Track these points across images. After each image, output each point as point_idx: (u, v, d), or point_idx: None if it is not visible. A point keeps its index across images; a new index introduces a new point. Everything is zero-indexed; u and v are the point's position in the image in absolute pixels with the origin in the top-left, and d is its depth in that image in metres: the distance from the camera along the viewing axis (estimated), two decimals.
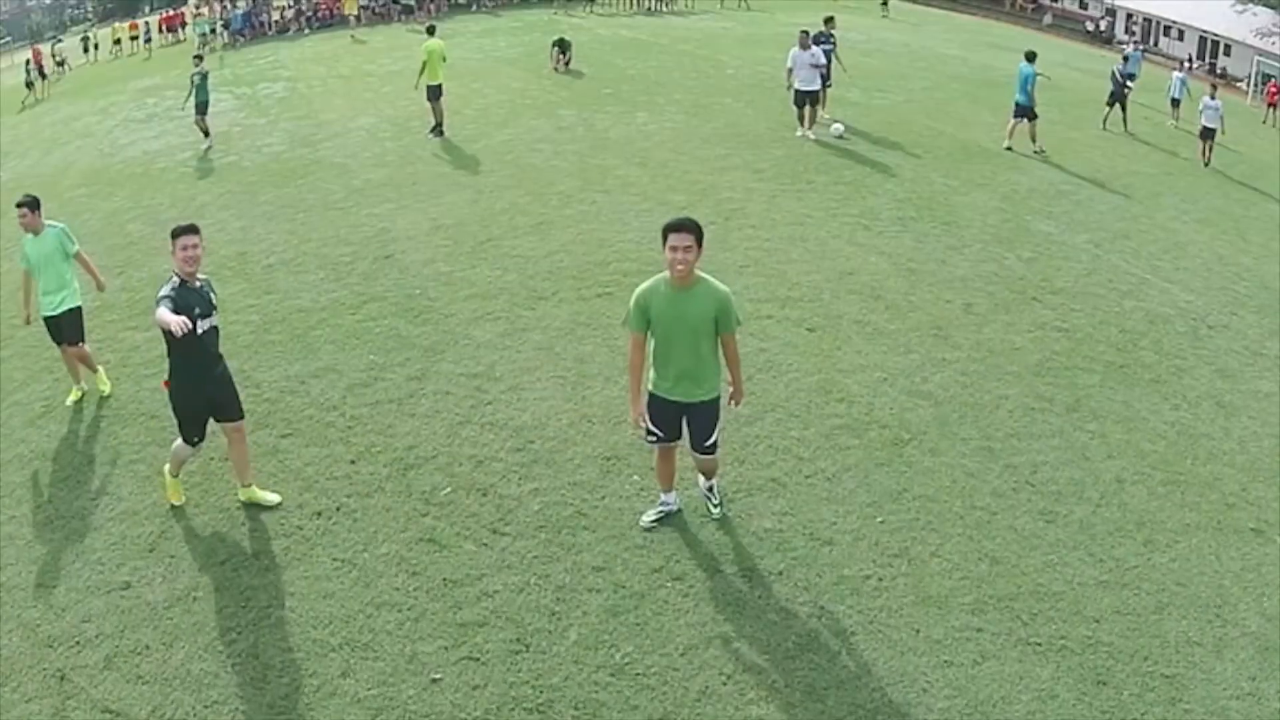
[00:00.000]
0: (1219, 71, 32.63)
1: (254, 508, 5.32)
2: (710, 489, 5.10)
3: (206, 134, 14.14)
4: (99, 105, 20.41)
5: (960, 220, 9.94)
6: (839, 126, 12.98)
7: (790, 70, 12.84)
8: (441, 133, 13.24)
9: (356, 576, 4.78)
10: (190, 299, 4.91)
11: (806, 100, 12.72)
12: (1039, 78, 13.31)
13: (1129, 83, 16.12)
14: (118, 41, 30.80)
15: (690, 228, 4.32)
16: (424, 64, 13.06)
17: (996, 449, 5.69)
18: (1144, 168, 13.37)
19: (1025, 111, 13.10)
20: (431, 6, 28.85)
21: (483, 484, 5.42)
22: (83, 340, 6.66)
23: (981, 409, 6.13)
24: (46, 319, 6.58)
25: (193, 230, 5.08)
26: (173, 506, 5.39)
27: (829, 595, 4.45)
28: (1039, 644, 4.17)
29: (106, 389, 6.75)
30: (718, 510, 5.06)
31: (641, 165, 11.49)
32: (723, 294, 4.40)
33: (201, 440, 5.23)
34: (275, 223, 10.15)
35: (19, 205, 6.50)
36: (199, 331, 4.83)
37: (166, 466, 5.44)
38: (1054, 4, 41.46)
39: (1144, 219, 10.75)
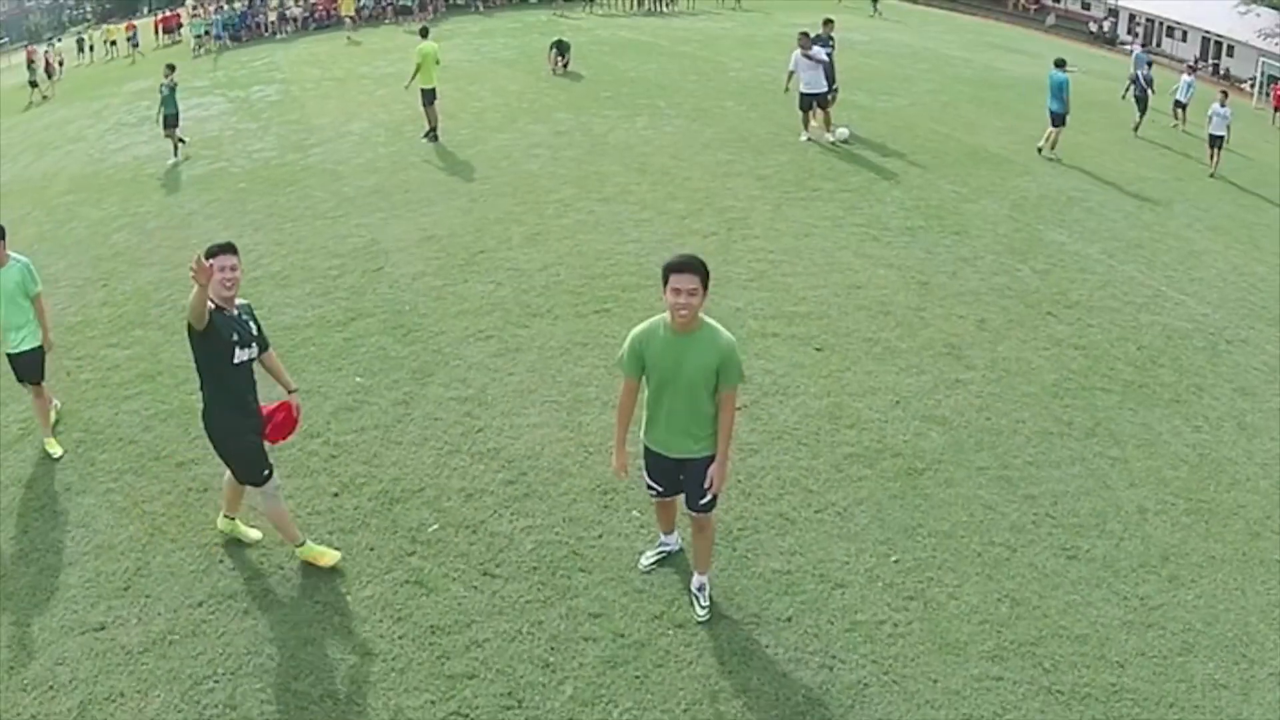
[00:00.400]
0: (1222, 72, 32.33)
1: (234, 543, 5.04)
2: (700, 588, 4.47)
3: (176, 148, 13.63)
4: (93, 108, 20.15)
5: (970, 229, 9.69)
6: (844, 131, 12.72)
7: (791, 73, 12.57)
8: (436, 138, 12.96)
9: (339, 622, 4.50)
10: (226, 327, 4.46)
11: (812, 103, 12.44)
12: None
13: (1150, 88, 15.97)
14: (113, 43, 30.56)
15: (696, 268, 3.85)
16: (418, 66, 12.77)
17: (1015, 478, 5.46)
18: (1153, 173, 13.14)
19: (1060, 119, 13.00)
20: (430, 7, 28.54)
21: (472, 520, 5.13)
22: (42, 379, 6.21)
23: (998, 434, 5.90)
24: (8, 356, 6.17)
25: (230, 250, 4.52)
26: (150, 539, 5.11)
27: (841, 643, 4.22)
28: (1062, 692, 3.99)
29: (56, 452, 6.08)
30: (704, 613, 4.41)
31: (641, 172, 11.19)
32: (727, 343, 3.97)
33: (272, 472, 4.73)
34: (263, 233, 9.86)
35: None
36: (235, 362, 4.48)
37: (221, 516, 5.08)
38: (1056, 4, 41.13)
39: (1156, 227, 10.53)
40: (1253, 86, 28.49)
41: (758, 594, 4.54)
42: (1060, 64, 13.34)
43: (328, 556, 4.85)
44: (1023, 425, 5.98)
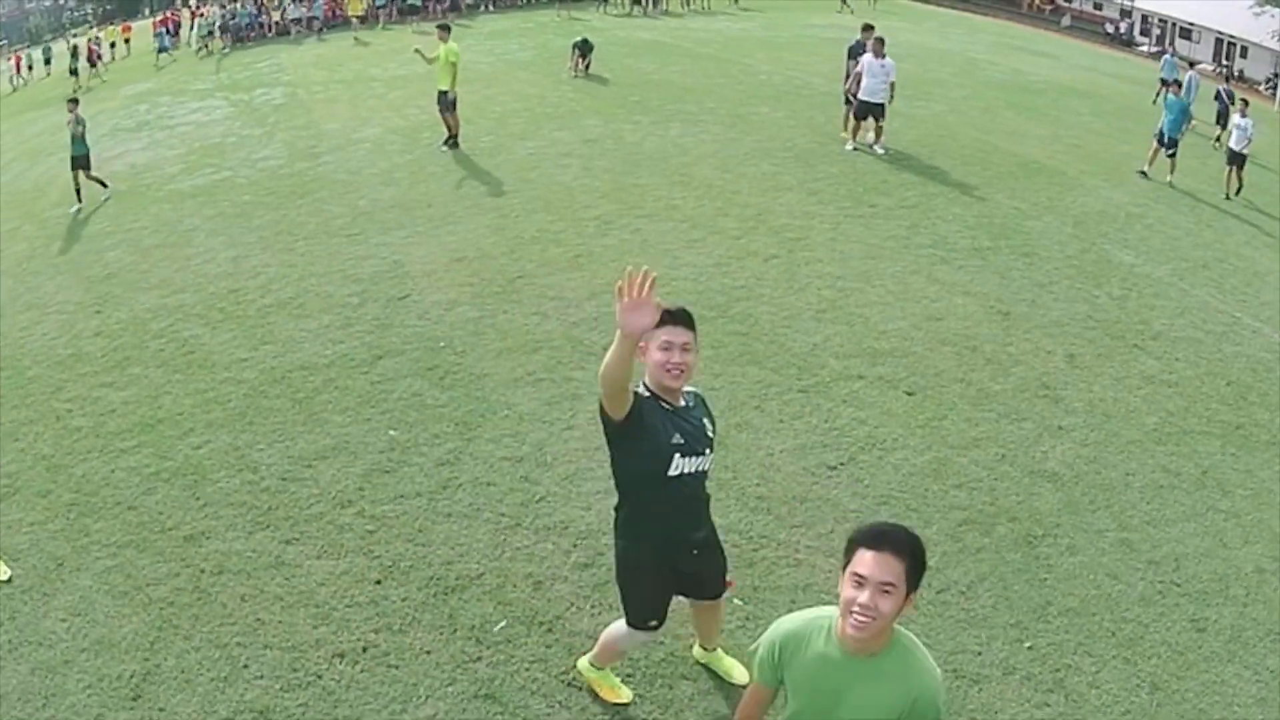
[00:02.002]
0: (1237, 74, 31.72)
1: (260, 645, 4.18)
2: None
3: (80, 192, 11.60)
4: (89, 113, 19.21)
5: (1038, 250, 9.10)
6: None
7: (859, 76, 11.71)
8: (455, 144, 12.09)
9: None
10: (663, 423, 3.09)
11: (870, 112, 11.69)
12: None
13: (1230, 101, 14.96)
14: (111, 45, 29.76)
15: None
16: (441, 61, 11.81)
17: (1135, 540, 4.99)
18: (1199, 184, 12.51)
19: (1173, 143, 12.30)
20: (438, 7, 27.73)
21: (546, 615, 4.26)
22: None
23: (1111, 490, 5.43)
24: None
25: (685, 322, 3.05)
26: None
27: None
28: None
29: (4, 575, 4.84)
30: None
31: (684, 185, 10.31)
32: (927, 685, 2.41)
33: (660, 625, 3.48)
34: (272, 252, 8.99)
35: None
36: (671, 474, 3.11)
37: (589, 656, 3.82)
38: (1070, 5, 40.54)
39: (1217, 246, 10.07)
40: (1271, 90, 27.90)
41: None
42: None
43: (621, 693, 3.81)
44: (1133, 478, 5.55)
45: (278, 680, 4.02)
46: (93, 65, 24.71)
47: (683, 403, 3.16)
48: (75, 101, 12.19)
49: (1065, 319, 7.57)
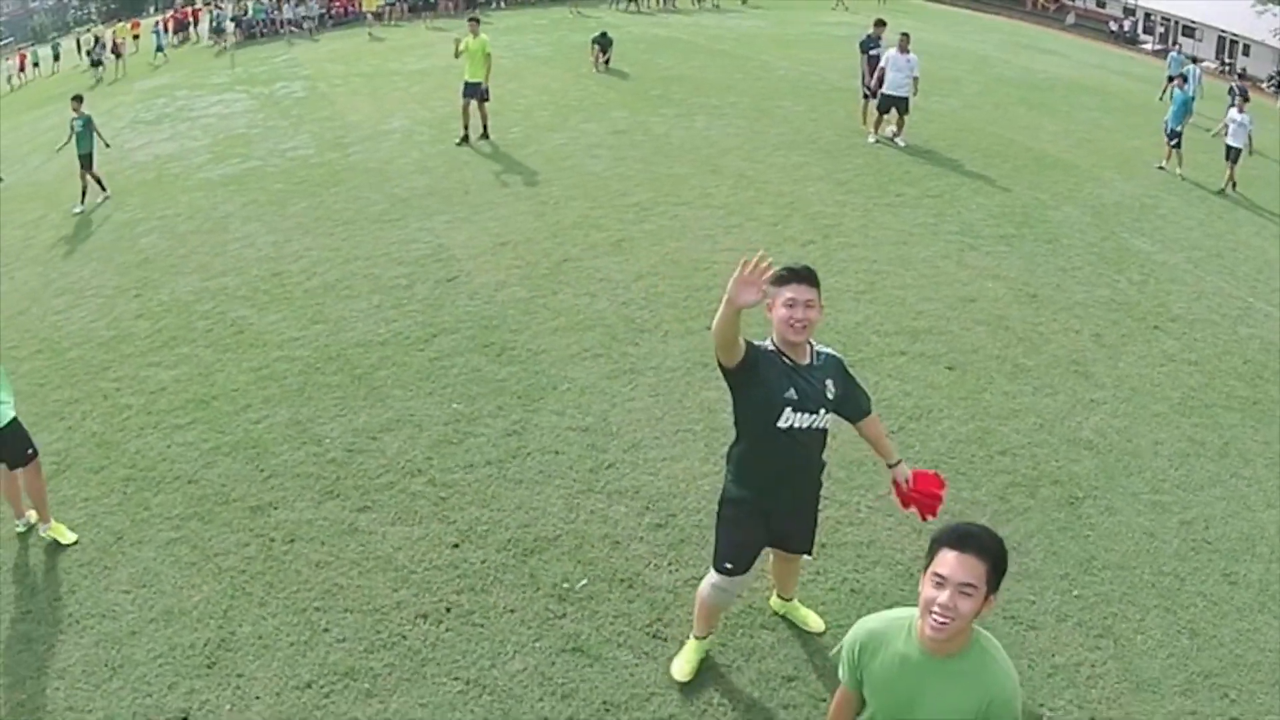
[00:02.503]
0: (1239, 72, 31.90)
1: (340, 608, 4.27)
2: None
3: (84, 193, 11.43)
4: (103, 107, 19.30)
5: (1060, 237, 9.31)
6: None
7: (883, 71, 11.91)
8: (467, 140, 12.01)
9: (490, 703, 3.74)
10: (780, 377, 3.22)
11: (893, 105, 11.85)
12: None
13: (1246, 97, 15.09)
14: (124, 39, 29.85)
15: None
16: (475, 55, 11.81)
17: (1167, 503, 5.24)
18: (1210, 177, 12.67)
19: (1175, 134, 12.50)
20: (450, 4, 27.81)
21: (625, 573, 4.39)
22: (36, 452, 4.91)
23: (1142, 457, 5.66)
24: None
25: (808, 279, 3.20)
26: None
27: (1046, 689, 3.95)
28: None
29: (68, 539, 4.94)
30: None
31: (716, 174, 10.44)
32: (1004, 688, 2.38)
33: (742, 573, 3.56)
34: (312, 237, 9.08)
35: None
36: (781, 425, 3.23)
37: (693, 636, 3.87)
38: (1074, 4, 40.73)
39: (1229, 236, 10.28)
40: (1269, 85, 28.06)
41: None
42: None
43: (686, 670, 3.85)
44: (1161, 447, 5.82)
45: (361, 642, 4.10)
46: (118, 57, 24.85)
47: (807, 360, 3.27)
48: (80, 99, 11.99)
49: (1089, 301, 7.79)
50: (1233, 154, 12.27)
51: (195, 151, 13.55)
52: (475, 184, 10.35)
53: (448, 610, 4.23)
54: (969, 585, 2.26)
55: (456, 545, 4.61)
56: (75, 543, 4.90)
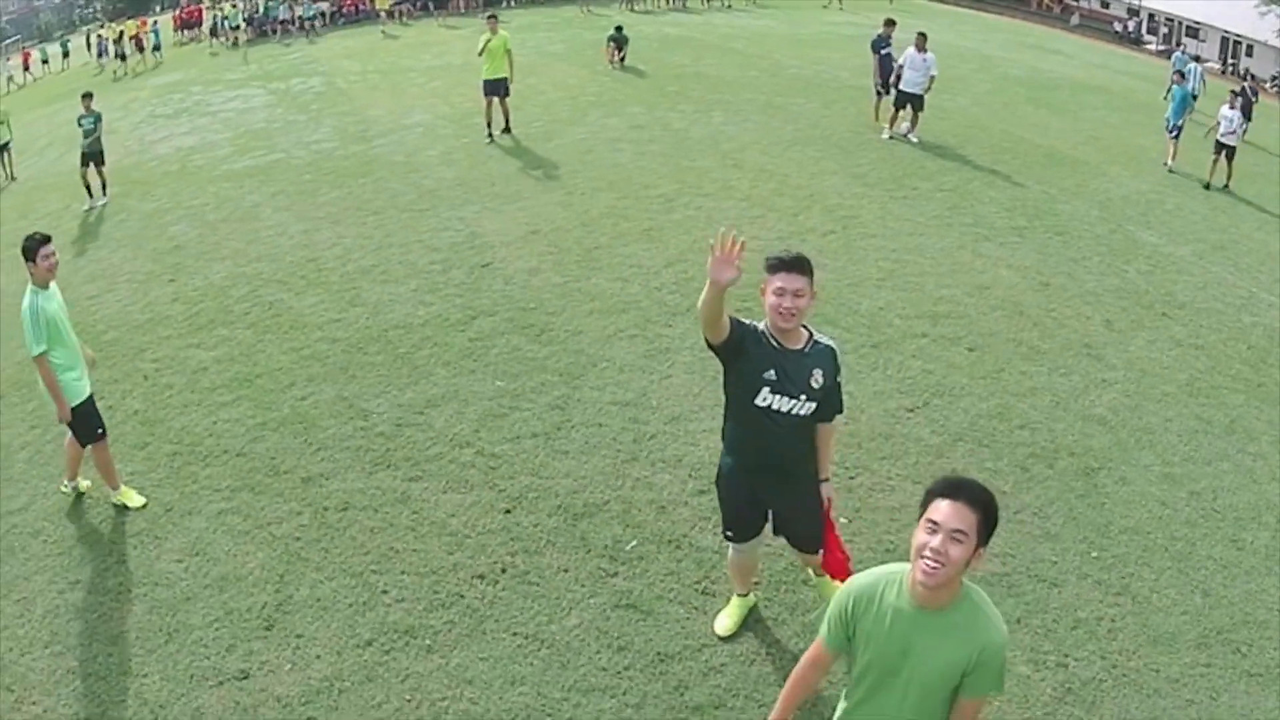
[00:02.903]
0: (1242, 73, 32.14)
1: (398, 570, 4.45)
2: None
3: (90, 189, 11.31)
4: (118, 102, 19.54)
5: (1070, 230, 9.56)
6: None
7: (900, 68, 12.23)
8: (490, 138, 12.17)
9: (549, 655, 3.95)
10: (764, 356, 3.29)
11: (909, 102, 12.15)
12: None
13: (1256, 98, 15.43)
14: (133, 37, 29.91)
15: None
16: (497, 51, 11.93)
17: (1177, 475, 5.50)
18: (1204, 173, 12.87)
19: (1175, 129, 12.74)
20: (462, 2, 28.01)
21: (672, 534, 4.60)
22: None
23: (1153, 433, 5.92)
24: (91, 397, 4.96)
25: (798, 268, 3.22)
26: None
27: (1070, 641, 4.20)
28: (1260, 675, 4.14)
29: (136, 503, 5.15)
30: None
31: (737, 168, 10.66)
32: (993, 640, 2.41)
33: (743, 541, 3.75)
34: (344, 226, 9.28)
35: (48, 241, 4.72)
36: (759, 403, 3.33)
37: (735, 594, 4.09)
38: (1078, 4, 40.95)
39: (1232, 230, 10.54)
40: (1272, 85, 28.28)
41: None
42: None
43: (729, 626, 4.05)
44: (1170, 424, 6.07)
45: (419, 602, 4.29)
46: (140, 50, 25.09)
47: (797, 346, 3.31)
48: (90, 96, 11.84)
49: (1100, 290, 8.05)
50: (1225, 150, 12.35)
51: (217, 144, 13.73)
52: (502, 176, 10.57)
53: (503, 571, 4.43)
54: (960, 532, 2.30)
55: (508, 511, 4.82)
56: (144, 506, 5.09)
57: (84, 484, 5.27)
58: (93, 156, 11.35)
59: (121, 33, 25.99)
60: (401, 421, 5.70)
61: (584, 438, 5.39)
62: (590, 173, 10.55)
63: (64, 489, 5.23)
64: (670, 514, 4.74)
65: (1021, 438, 5.69)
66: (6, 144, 14.30)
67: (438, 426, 5.60)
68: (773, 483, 3.55)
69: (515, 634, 4.07)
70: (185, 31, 30.06)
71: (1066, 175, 11.53)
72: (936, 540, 2.30)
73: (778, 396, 3.32)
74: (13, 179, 14.17)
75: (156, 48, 25.40)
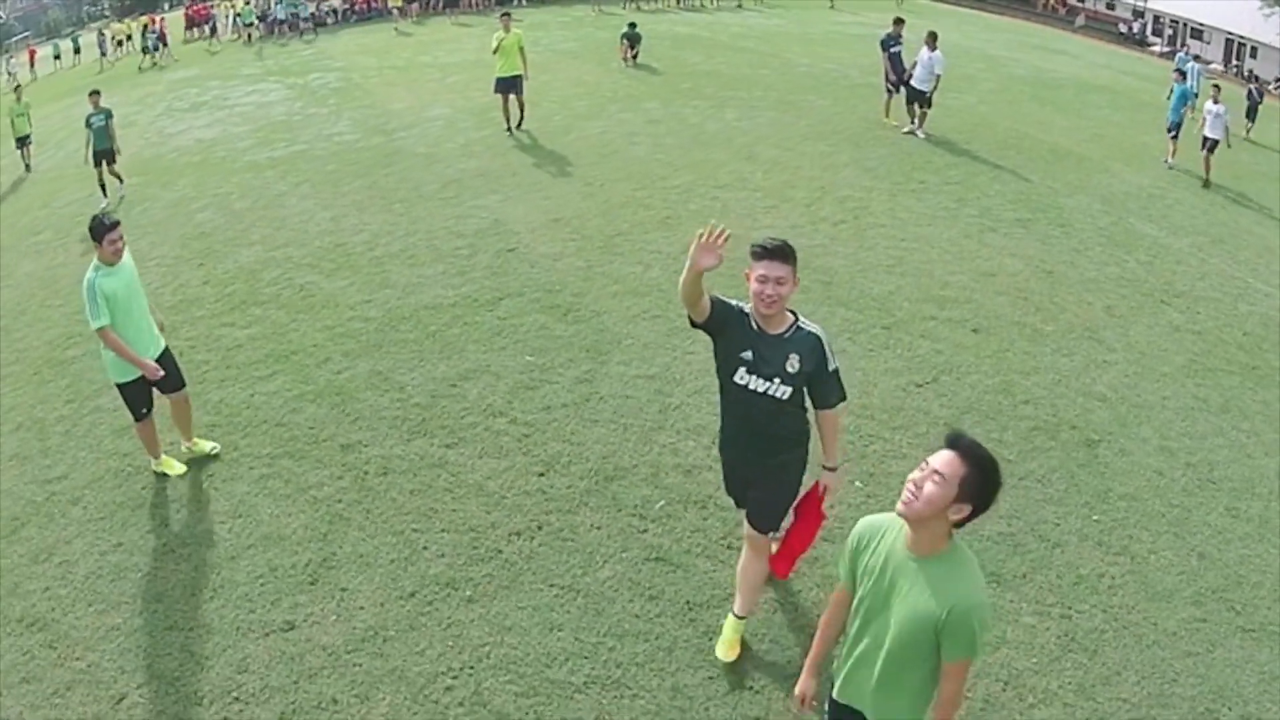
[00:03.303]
0: (1246, 74, 32.34)
1: (436, 529, 4.72)
2: None
3: (105, 187, 11.28)
4: (133, 96, 19.85)
5: (1073, 222, 9.86)
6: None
7: (914, 66, 12.64)
8: (510, 131, 12.43)
9: (584, 604, 4.22)
10: (743, 337, 3.44)
11: (916, 99, 12.54)
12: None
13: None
14: (128, 38, 29.71)
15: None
16: (510, 49, 12.21)
17: (1174, 448, 5.77)
18: (1215, 174, 13.14)
19: (1173, 126, 13.02)
20: (472, 1, 28.31)
21: (698, 495, 4.88)
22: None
23: (1151, 410, 6.20)
24: (140, 379, 5.16)
25: (781, 256, 3.33)
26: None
27: (1073, 595, 4.48)
28: (1254, 630, 4.37)
29: (177, 470, 5.39)
30: None
31: (751, 161, 10.95)
32: (965, 597, 2.47)
33: (739, 508, 3.98)
34: (370, 213, 9.56)
35: (116, 226, 4.94)
36: (737, 380, 3.49)
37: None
38: (1084, 5, 41.19)
39: (1230, 224, 10.83)
40: (1276, 86, 28.45)
41: (993, 554, 4.63)
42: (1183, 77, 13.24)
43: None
44: (1168, 402, 6.35)
45: (459, 556, 4.55)
46: (164, 44, 25.36)
47: (777, 331, 3.41)
48: (98, 93, 11.84)
49: (1101, 278, 8.34)
50: (1209, 144, 12.60)
51: (238, 136, 13.99)
52: (523, 167, 10.85)
53: (539, 528, 4.70)
54: (940, 474, 2.41)
55: (542, 474, 5.10)
56: (185, 474, 5.33)
57: (180, 459, 5.44)
58: (104, 155, 11.23)
59: (146, 25, 26.25)
60: (436, 393, 5.96)
61: (612, 408, 5.67)
62: (609, 164, 10.83)
63: (156, 468, 5.39)
64: (696, 477, 5.02)
65: (1025, 412, 5.99)
66: (27, 136, 14.54)
67: (471, 398, 5.87)
68: (750, 457, 3.68)
69: (552, 585, 4.33)
70: (194, 30, 30.28)
71: (1070, 171, 11.82)
72: (918, 475, 2.46)
73: (754, 377, 3.44)
74: (29, 170, 14.41)
75: (150, 49, 25.37)
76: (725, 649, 3.90)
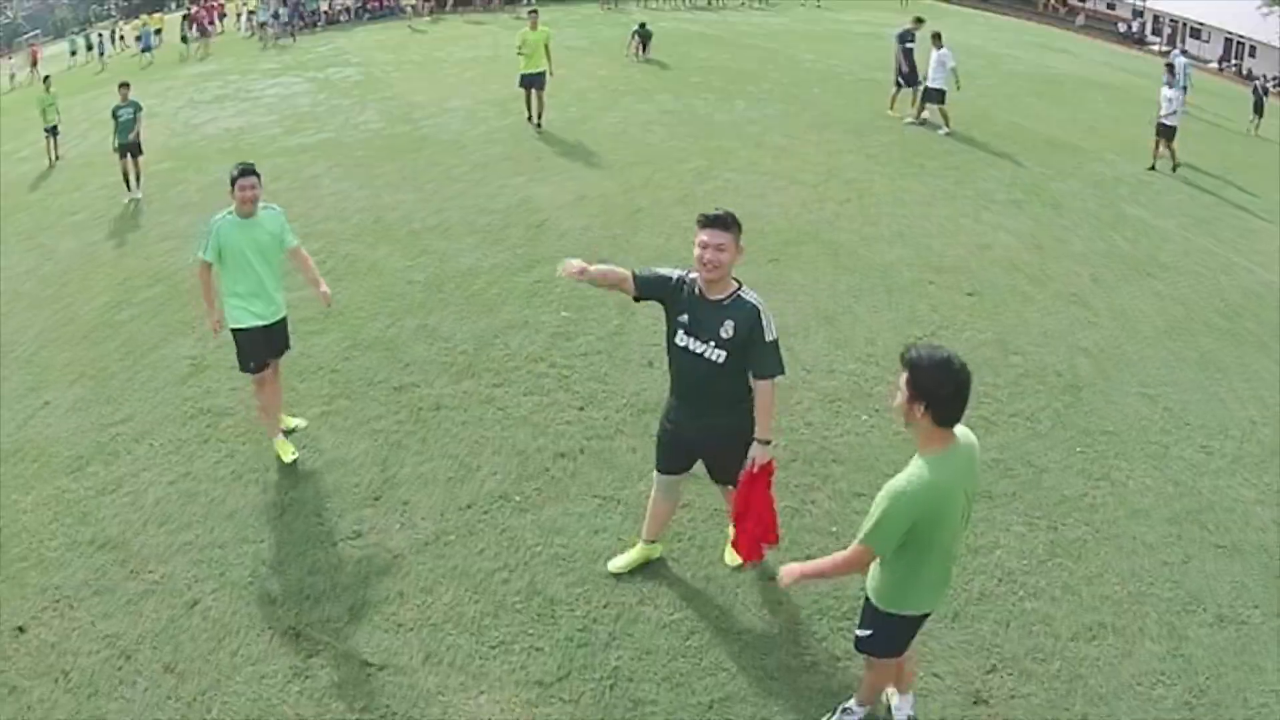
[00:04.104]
0: (1244, 73, 32.88)
1: (489, 451, 5.28)
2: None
3: (129, 180, 11.12)
4: (153, 89, 20.28)
5: (1064, 204, 10.49)
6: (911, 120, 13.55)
7: (928, 65, 13.30)
8: (532, 121, 12.89)
9: (624, 511, 4.78)
10: (680, 302, 3.68)
11: (936, 98, 13.19)
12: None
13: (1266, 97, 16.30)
14: (157, 31, 30.41)
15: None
16: (536, 49, 12.65)
17: (1153, 394, 6.32)
18: (1201, 163, 13.76)
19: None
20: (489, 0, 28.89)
21: None
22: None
23: (1132, 363, 6.76)
24: (251, 330, 5.13)
25: (720, 224, 3.55)
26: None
27: (1058, 512, 4.96)
28: (1224, 547, 4.80)
29: (289, 456, 5.27)
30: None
31: (760, 148, 11.60)
32: (895, 480, 2.94)
33: (664, 473, 4.16)
34: (402, 192, 10.14)
35: (247, 174, 4.96)
36: (678, 343, 3.71)
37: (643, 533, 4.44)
38: (1084, 5, 41.69)
39: (1216, 208, 11.43)
40: (1277, 86, 28.99)
41: (984, 478, 4.88)
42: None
43: None
44: (1149, 357, 6.90)
45: (510, 475, 5.10)
46: (203, 34, 25.77)
47: (717, 297, 3.60)
48: (127, 85, 11.85)
49: (1089, 252, 8.97)
50: (1165, 132, 12.48)
51: (265, 125, 14.43)
52: (545, 153, 11.49)
53: (581, 451, 5.29)
54: (896, 385, 2.87)
55: (581, 408, 5.69)
56: (294, 462, 5.24)
57: (292, 423, 5.55)
58: (130, 147, 11.14)
59: (185, 16, 26.74)
60: (480, 343, 6.54)
61: (642, 353, 6.26)
62: (627, 150, 11.46)
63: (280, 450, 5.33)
64: None
65: (1015, 361, 6.63)
66: (54, 126, 14.93)
67: (513, 346, 6.46)
68: (694, 416, 3.84)
69: (595, 496, 4.90)
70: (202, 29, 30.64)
71: (1064, 159, 12.44)
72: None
73: (691, 339, 3.65)
74: (57, 158, 14.77)
75: (147, 48, 25.55)
76: (623, 563, 4.36)
